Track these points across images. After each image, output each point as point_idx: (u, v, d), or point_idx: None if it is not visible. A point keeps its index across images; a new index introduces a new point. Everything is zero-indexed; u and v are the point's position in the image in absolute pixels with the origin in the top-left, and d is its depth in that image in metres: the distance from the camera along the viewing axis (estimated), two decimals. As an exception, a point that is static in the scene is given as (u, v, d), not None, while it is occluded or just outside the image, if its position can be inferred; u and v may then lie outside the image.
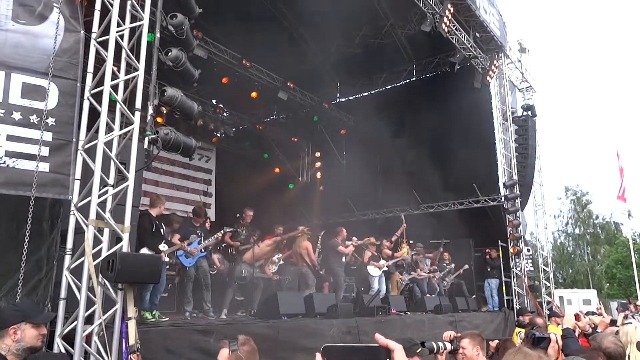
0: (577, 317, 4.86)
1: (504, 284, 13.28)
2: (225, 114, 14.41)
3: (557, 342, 3.45)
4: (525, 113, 15.38)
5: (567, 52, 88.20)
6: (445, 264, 13.50)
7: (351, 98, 16.22)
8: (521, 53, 16.40)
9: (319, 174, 16.78)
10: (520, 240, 13.74)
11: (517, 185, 13.84)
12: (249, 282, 8.89)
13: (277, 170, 16.48)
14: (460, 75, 13.17)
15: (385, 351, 1.01)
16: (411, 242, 12.94)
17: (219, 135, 14.78)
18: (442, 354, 2.41)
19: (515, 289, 13.50)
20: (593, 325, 5.48)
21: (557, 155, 66.83)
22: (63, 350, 4.27)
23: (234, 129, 14.89)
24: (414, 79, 15.22)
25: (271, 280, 9.72)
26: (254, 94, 13.40)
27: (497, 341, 4.50)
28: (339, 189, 15.40)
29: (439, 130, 12.96)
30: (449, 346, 3.74)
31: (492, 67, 13.20)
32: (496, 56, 13.85)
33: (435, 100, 13.71)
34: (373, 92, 15.74)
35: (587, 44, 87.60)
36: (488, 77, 13.18)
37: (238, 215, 9.30)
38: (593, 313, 6.58)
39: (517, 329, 8.29)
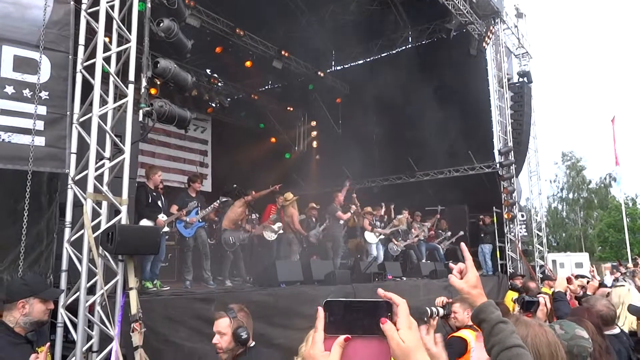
0: (569, 280, 4.95)
1: (497, 249, 13.46)
2: (219, 84, 14.28)
3: (545, 305, 3.53)
4: (521, 79, 15.26)
5: (563, 16, 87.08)
6: (441, 231, 13.66)
7: (346, 66, 16.06)
8: (518, 18, 16.16)
9: (314, 143, 16.77)
10: (514, 206, 13.85)
11: (512, 152, 13.87)
12: (239, 247, 9.00)
13: (273, 140, 16.45)
14: (456, 42, 13.02)
15: (388, 305, 1.04)
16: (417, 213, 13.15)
17: (214, 105, 14.67)
18: (434, 319, 2.48)
19: (508, 254, 13.70)
20: (585, 289, 5.60)
21: (553, 121, 66.81)
22: (67, 321, 4.35)
23: (228, 99, 14.78)
24: (410, 46, 15.05)
25: (260, 241, 9.95)
26: (248, 64, 13.25)
27: (492, 300, 4.60)
28: (335, 157, 15.42)
29: (435, 97, 12.88)
30: (441, 311, 3.83)
31: (488, 33, 13.05)
32: (492, 22, 13.67)
33: (431, 67, 13.60)
34: (368, 59, 15.58)
35: (584, 7, 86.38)
36: (484, 44, 13.03)
37: (235, 186, 9.34)
38: (583, 276, 6.70)
39: (510, 292, 8.46)
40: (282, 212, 10.39)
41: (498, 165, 13.78)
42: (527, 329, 1.89)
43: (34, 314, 3.06)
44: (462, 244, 1.87)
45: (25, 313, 3.03)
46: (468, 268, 1.71)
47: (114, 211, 4.72)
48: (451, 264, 1.77)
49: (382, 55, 15.38)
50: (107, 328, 4.37)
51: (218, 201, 8.52)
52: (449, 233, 13.60)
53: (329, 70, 15.84)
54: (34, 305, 3.07)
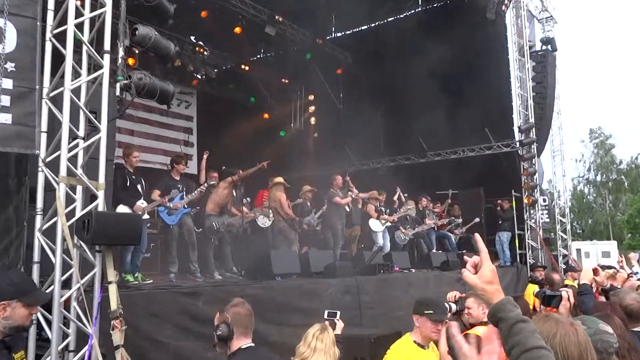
0: (595, 271, 4.99)
1: (516, 237, 13.56)
2: (205, 53, 14.20)
3: (569, 299, 3.58)
4: (544, 47, 15.21)
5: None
6: (454, 218, 13.74)
7: (348, 33, 15.94)
8: (541, -23, 16.06)
9: (312, 120, 16.75)
10: (535, 190, 13.92)
11: (534, 128, 13.88)
12: (225, 234, 9.07)
13: (265, 115, 16.42)
14: (471, 5, 12.94)
15: None
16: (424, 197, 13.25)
17: (199, 77, 14.60)
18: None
19: (528, 242, 13.80)
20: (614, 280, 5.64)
21: (580, 95, 66.63)
22: (40, 317, 4.40)
23: (216, 70, 14.71)
24: (420, 9, 14.92)
25: (254, 229, 10.10)
26: (237, 30, 13.14)
27: (510, 296, 4.64)
28: (336, 135, 15.42)
29: (448, 68, 12.83)
30: (453, 307, 3.88)
31: (508, -6, 12.98)
32: (512, -19, 13.59)
33: (444, 34, 13.46)
34: (373, 25, 15.46)
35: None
36: (503, 7, 12.93)
37: (224, 168, 9.35)
38: (611, 267, 6.75)
39: (531, 286, 8.54)
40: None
41: (518, 143, 13.80)
42: (556, 327, 1.91)
43: (15, 318, 2.99)
44: (477, 235, 1.89)
45: (5, 316, 2.96)
46: (483, 261, 1.73)
47: (89, 196, 4.74)
48: (465, 257, 1.79)
49: (389, 20, 15.25)
50: (85, 325, 4.42)
51: (205, 184, 8.55)
52: (460, 220, 13.70)
53: (328, 37, 15.74)
54: (17, 309, 2.99)
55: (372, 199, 11.60)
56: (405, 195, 12.86)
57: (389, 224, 11.53)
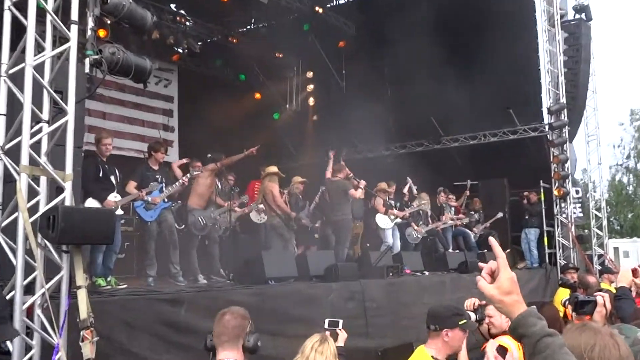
0: (634, 272, 5.00)
1: (545, 235, 13.59)
2: (188, 24, 14.12)
3: (605, 305, 3.60)
4: (577, 16, 15.15)
5: None
6: (473, 212, 13.77)
7: (352, 0, 15.89)
8: None
9: (311, 100, 16.71)
10: (567, 180, 13.92)
11: (565, 110, 13.86)
12: (212, 230, 9.11)
13: (257, 95, 16.38)
14: (493, -32, 12.89)
15: None
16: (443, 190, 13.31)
17: (180, 52, 14.55)
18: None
19: (559, 240, 13.83)
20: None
21: (618, 71, 66.47)
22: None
23: (200, 43, 14.65)
24: (434, -28, 14.87)
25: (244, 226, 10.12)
26: (224, -4, 13.12)
27: (534, 306, 4.66)
28: (338, 118, 15.37)
29: (467, 41, 12.81)
30: (472, 316, 3.89)
31: (536, -46, 12.93)
32: (541, -60, 13.53)
33: (462, 1, 13.45)
34: (380, -10, 15.41)
35: None
36: (530, -31, 12.91)
37: (209, 155, 9.36)
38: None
39: (561, 290, 8.57)
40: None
41: (547, 127, 13.79)
42: (594, 338, 1.90)
43: None
44: (492, 239, 1.87)
45: None
46: (500, 268, 1.70)
47: (55, 189, 4.75)
48: (480, 264, 1.78)
49: (399, -16, 15.21)
50: (50, 336, 4.44)
51: (188, 175, 8.55)
52: (479, 215, 13.73)
53: (329, 5, 15.66)
54: None
55: (380, 192, 11.61)
56: (416, 187, 12.89)
57: (398, 220, 11.55)
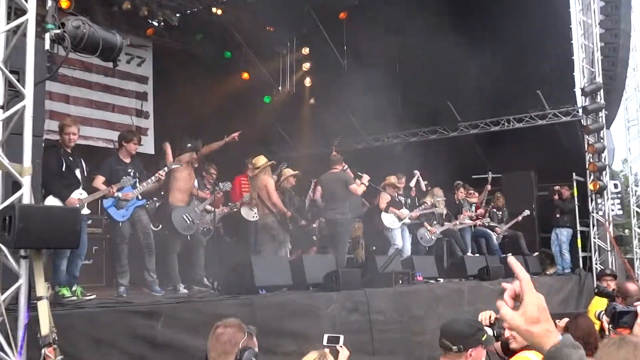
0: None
1: (579, 236, 13.61)
2: (164, -7, 14.09)
3: (647, 317, 3.60)
4: (616, -18, 15.12)
5: None
6: (496, 210, 13.77)
7: (354, -37, 15.86)
8: None
9: (307, 81, 16.68)
10: (604, 172, 13.92)
11: (602, 91, 13.85)
12: (198, 231, 9.12)
13: (245, 75, 16.36)
14: None
15: None
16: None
17: (156, 24, 14.50)
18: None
19: (595, 242, 13.84)
20: None
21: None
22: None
23: (178, 15, 14.57)
24: None
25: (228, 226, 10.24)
26: (206, -40, 13.09)
27: (567, 319, 4.64)
28: (338, 102, 15.36)
29: (487, 11, 12.77)
30: (489, 332, 3.89)
31: None
32: None
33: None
34: (387, -47, 15.38)
35: None
36: None
37: (189, 145, 9.35)
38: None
39: (597, 300, 8.58)
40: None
41: (581, 110, 13.78)
42: (634, 353, 1.89)
43: None
44: (512, 260, 1.81)
45: None
46: (525, 292, 1.64)
47: (11, 184, 4.74)
48: (503, 284, 1.73)
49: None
50: (7, 355, 4.44)
51: (165, 168, 8.54)
52: (504, 213, 13.73)
53: (328, -30, 15.64)
54: None
55: (388, 186, 11.62)
56: (425, 182, 12.90)
57: (408, 220, 11.56)
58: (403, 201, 11.87)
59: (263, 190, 9.90)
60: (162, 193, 10.23)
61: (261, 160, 10.16)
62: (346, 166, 10.80)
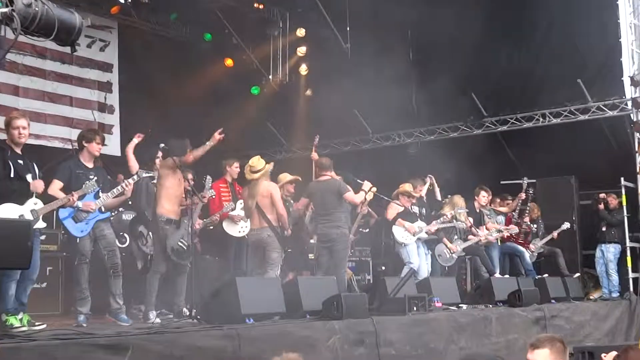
0: None
1: (628, 253, 13.60)
2: (132, -37, 14.11)
3: None
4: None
5: None
6: (530, 223, 13.72)
7: None
8: None
9: (303, 69, 16.68)
10: (659, 177, 13.93)
11: (656, 79, 13.87)
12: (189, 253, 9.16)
13: (228, 62, 16.36)
14: None
15: None
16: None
17: (122, 1, 14.50)
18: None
19: (648, 261, 13.83)
20: None
21: None
22: None
23: (148, -10, 14.63)
24: None
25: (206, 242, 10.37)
26: None
27: (614, 352, 4.64)
28: (341, 94, 15.35)
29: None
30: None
31: None
32: None
33: None
34: None
35: None
36: None
37: (162, 145, 9.32)
38: None
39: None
40: (239, 192, 10.50)
41: (630, 103, 13.79)
42: None
43: None
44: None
45: None
46: None
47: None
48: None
49: None
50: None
51: (135, 177, 8.51)
52: (532, 226, 13.73)
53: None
54: None
55: (402, 195, 11.59)
56: (440, 189, 12.91)
57: (424, 235, 11.55)
58: (418, 212, 11.83)
59: (266, 199, 9.78)
60: (130, 203, 10.26)
61: (260, 162, 10.04)
62: (338, 177, 10.74)
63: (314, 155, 11.55)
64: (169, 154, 9.24)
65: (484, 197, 13.04)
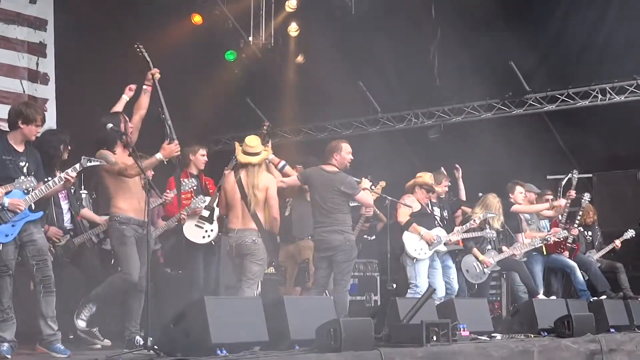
0: None
1: None
2: None
3: None
4: None
5: None
6: (581, 228, 13.75)
7: None
8: None
9: (293, 28, 16.71)
10: None
11: None
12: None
13: (196, 19, 16.35)
14: None
15: None
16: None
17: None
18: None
19: None
20: None
21: None
22: None
23: None
24: None
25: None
26: None
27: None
28: (342, 61, 15.40)
29: None
30: None
31: None
32: None
33: None
34: None
35: None
36: None
37: (111, 126, 9.31)
38: None
39: None
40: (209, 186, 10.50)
41: None
42: None
43: None
44: None
45: None
46: None
47: None
48: None
49: None
50: None
51: (78, 165, 8.51)
52: (587, 233, 13.76)
53: None
54: None
55: (420, 189, 11.50)
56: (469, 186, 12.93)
57: (443, 247, 11.53)
58: (439, 215, 11.82)
59: (262, 193, 9.78)
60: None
61: (257, 142, 9.98)
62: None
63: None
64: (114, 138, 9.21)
65: (520, 194, 12.99)
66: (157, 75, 9.56)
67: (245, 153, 9.69)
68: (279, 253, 10.23)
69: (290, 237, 11.40)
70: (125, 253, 8.92)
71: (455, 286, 11.83)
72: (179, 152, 9.34)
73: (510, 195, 12.98)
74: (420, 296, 10.33)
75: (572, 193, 13.64)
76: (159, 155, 9.01)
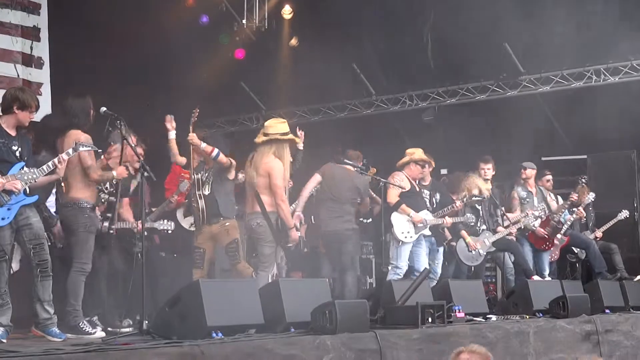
0: None
1: None
2: None
3: None
4: None
5: None
6: (574, 208, 13.75)
7: None
8: None
9: (287, 11, 16.67)
10: None
11: None
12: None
13: (189, 1, 16.29)
14: None
15: None
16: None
17: None
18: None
19: None
20: None
21: None
22: None
23: None
24: None
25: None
26: None
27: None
28: (336, 43, 15.36)
29: None
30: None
31: None
32: None
33: None
34: None
35: None
36: None
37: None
38: None
39: None
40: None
41: None
42: None
43: None
44: None
45: None
46: None
47: None
48: None
49: None
50: None
51: (71, 150, 8.49)
52: (580, 212, 13.79)
53: None
54: None
55: (415, 165, 11.41)
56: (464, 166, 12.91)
57: (427, 231, 11.51)
58: (428, 198, 11.74)
59: (264, 178, 9.79)
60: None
61: (280, 124, 10.07)
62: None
63: (192, 137, 9.94)
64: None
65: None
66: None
67: (263, 134, 9.90)
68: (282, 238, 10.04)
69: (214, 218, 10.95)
70: (88, 242, 8.96)
71: (438, 270, 11.82)
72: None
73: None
74: (400, 277, 10.39)
75: (574, 196, 13.57)
76: (114, 173, 9.08)
